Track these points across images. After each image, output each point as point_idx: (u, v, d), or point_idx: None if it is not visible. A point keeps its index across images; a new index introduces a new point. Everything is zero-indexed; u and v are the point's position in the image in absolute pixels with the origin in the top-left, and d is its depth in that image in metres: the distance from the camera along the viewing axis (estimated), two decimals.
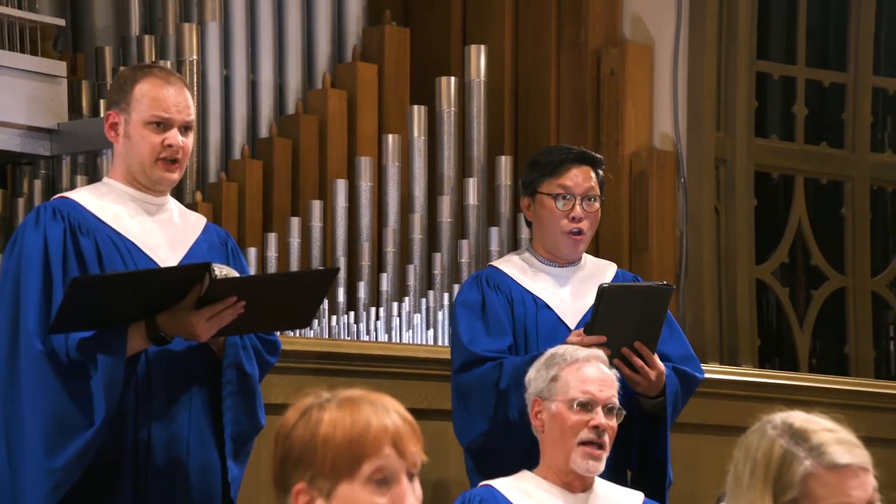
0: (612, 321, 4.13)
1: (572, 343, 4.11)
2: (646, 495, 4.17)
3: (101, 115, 5.95)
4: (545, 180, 4.33)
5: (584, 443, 3.85)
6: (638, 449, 4.28)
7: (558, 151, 4.43)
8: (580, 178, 4.33)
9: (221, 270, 3.67)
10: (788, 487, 2.50)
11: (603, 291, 4.15)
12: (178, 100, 3.80)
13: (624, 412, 3.92)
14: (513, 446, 4.06)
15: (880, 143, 7.37)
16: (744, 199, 6.71)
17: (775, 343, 7.15)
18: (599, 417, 3.85)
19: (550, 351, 3.97)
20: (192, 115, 3.84)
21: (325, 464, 2.18)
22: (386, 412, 2.22)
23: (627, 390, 4.23)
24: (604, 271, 4.45)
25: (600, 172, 4.39)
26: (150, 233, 3.83)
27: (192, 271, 3.65)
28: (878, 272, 7.21)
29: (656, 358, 4.19)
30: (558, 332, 4.26)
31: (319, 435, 2.19)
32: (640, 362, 4.16)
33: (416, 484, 2.23)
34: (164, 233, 3.86)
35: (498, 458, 4.17)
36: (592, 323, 4.15)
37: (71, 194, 3.90)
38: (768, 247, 6.94)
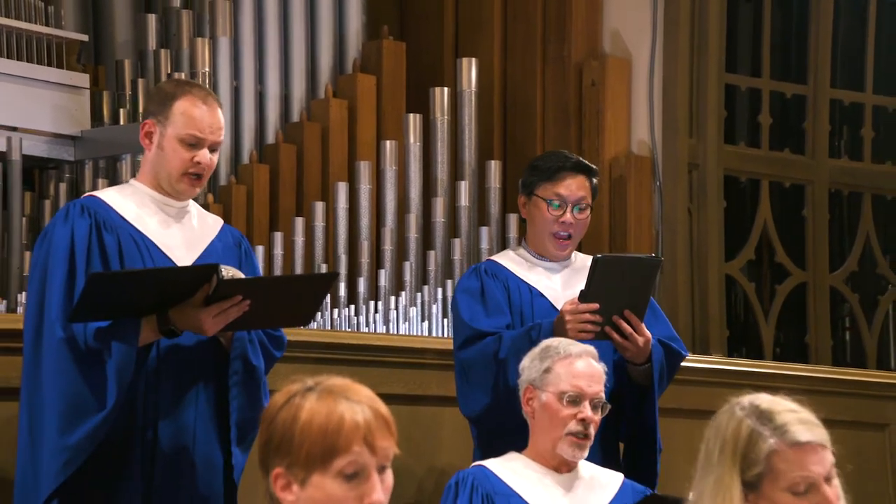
0: (604, 290, 4.06)
1: (567, 311, 4.05)
2: (638, 464, 4.13)
3: (121, 122, 5.95)
4: (542, 184, 4.27)
5: (570, 433, 3.79)
6: (628, 422, 4.22)
7: (557, 158, 4.35)
8: (574, 186, 4.26)
9: (228, 272, 3.63)
10: (754, 463, 2.51)
11: (598, 261, 4.10)
12: (213, 121, 3.75)
13: (609, 406, 3.86)
14: (514, 413, 3.99)
15: (837, 150, 7.39)
16: (714, 201, 6.70)
17: (743, 333, 7.13)
18: (586, 411, 3.81)
19: (545, 342, 3.92)
20: (222, 137, 3.79)
21: (301, 454, 2.14)
22: (360, 407, 2.16)
23: (617, 368, 4.17)
24: (591, 261, 4.40)
25: (594, 181, 4.33)
26: (169, 233, 3.79)
27: (201, 271, 3.60)
28: (836, 268, 7.23)
29: (643, 326, 4.13)
30: (551, 317, 4.19)
31: (297, 426, 2.15)
32: (629, 329, 4.09)
33: (388, 474, 2.18)
34: (182, 233, 3.81)
35: (500, 425, 4.11)
36: (586, 291, 4.09)
37: (99, 193, 3.87)
38: (737, 245, 6.94)
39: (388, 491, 2.18)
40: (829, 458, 2.54)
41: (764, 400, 2.56)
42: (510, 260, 4.35)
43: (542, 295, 4.28)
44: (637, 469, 4.08)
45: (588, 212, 4.29)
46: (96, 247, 3.69)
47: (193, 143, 3.72)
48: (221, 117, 3.78)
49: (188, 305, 3.58)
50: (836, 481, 2.56)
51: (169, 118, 3.73)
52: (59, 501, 3.60)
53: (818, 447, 2.53)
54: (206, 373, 3.73)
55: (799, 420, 2.54)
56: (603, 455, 4.04)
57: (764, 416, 2.53)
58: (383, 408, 2.19)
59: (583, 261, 4.37)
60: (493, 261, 4.39)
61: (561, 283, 4.31)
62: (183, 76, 5.87)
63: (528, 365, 3.87)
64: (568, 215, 4.25)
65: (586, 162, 4.36)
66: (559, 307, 4.21)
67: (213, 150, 3.76)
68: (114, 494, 3.62)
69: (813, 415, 2.57)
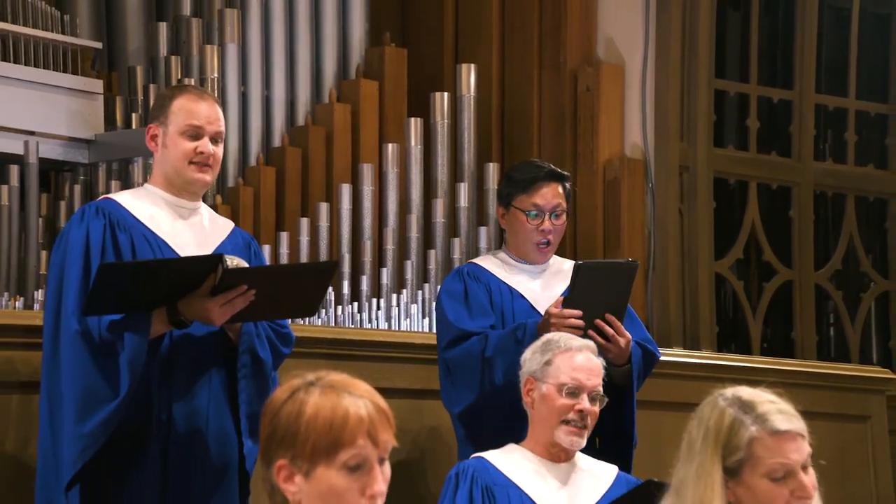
0: (586, 295, 4.06)
1: (552, 314, 4.05)
2: (613, 457, 4.12)
3: (134, 126, 5.95)
4: (518, 196, 4.26)
5: (567, 422, 3.79)
6: (607, 418, 4.21)
7: (531, 169, 4.34)
8: (550, 195, 4.26)
9: (233, 261, 3.62)
10: (736, 450, 2.54)
11: (579, 268, 4.10)
12: (210, 113, 3.75)
13: (606, 399, 3.85)
14: (499, 410, 3.98)
15: (822, 153, 7.40)
16: (704, 202, 6.70)
17: (731, 329, 7.13)
18: (584, 403, 3.79)
19: (547, 336, 3.90)
20: (222, 128, 3.79)
21: (306, 447, 2.14)
22: (363, 402, 2.16)
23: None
24: (568, 265, 4.40)
25: (567, 186, 4.33)
26: (181, 233, 3.78)
27: (205, 261, 3.60)
28: (821, 267, 7.24)
29: (623, 328, 4.13)
30: (531, 317, 4.18)
31: (302, 420, 2.14)
32: (610, 331, 4.09)
33: (386, 466, 2.18)
34: (194, 233, 3.81)
35: (486, 422, 4.10)
36: (570, 297, 4.08)
37: (114, 195, 3.86)
38: (726, 244, 6.94)
39: (387, 481, 2.18)
40: (806, 447, 2.57)
41: (745, 391, 2.59)
42: (491, 263, 4.35)
43: (522, 296, 4.27)
44: (613, 462, 4.07)
45: (564, 217, 4.29)
46: (110, 245, 3.69)
47: (194, 134, 3.73)
48: (219, 110, 3.79)
49: (195, 296, 3.57)
50: (812, 471, 2.58)
51: (168, 117, 3.75)
52: (79, 485, 3.60)
53: (797, 436, 2.56)
54: (217, 356, 3.72)
55: (778, 410, 2.56)
56: (585, 450, 4.02)
57: (746, 406, 2.56)
58: (382, 402, 2.20)
59: (559, 263, 4.38)
60: (474, 264, 4.38)
61: (540, 285, 4.30)
62: (192, 82, 5.86)
63: (530, 357, 3.86)
64: (546, 223, 4.24)
65: (559, 170, 4.35)
66: (538, 308, 4.21)
67: (215, 141, 3.76)
68: (131, 475, 3.62)
69: (791, 406, 2.59)
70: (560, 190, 4.28)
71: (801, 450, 2.55)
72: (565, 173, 4.35)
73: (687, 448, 2.58)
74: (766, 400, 2.57)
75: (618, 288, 4.12)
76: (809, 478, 2.55)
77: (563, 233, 4.32)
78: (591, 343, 3.89)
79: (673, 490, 2.58)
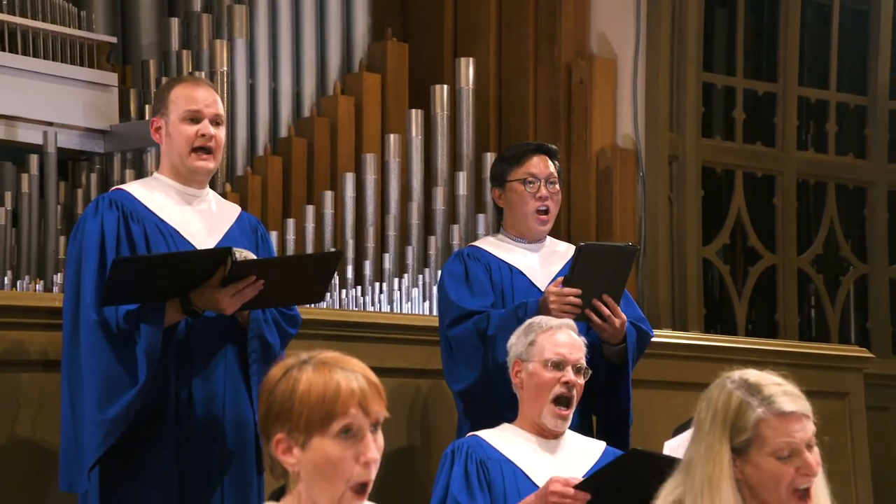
0: (586, 275, 4.06)
1: (552, 292, 4.05)
2: (611, 435, 4.12)
3: (147, 118, 5.93)
4: (512, 170, 4.27)
5: (555, 400, 3.80)
6: (602, 397, 4.22)
7: (519, 146, 4.38)
8: (542, 165, 4.27)
9: (241, 254, 3.62)
10: (743, 431, 2.55)
11: (581, 249, 4.10)
12: (207, 96, 3.76)
13: (590, 371, 3.86)
14: (500, 388, 3.98)
15: (804, 143, 7.40)
16: (692, 190, 6.70)
17: (718, 312, 7.13)
18: (569, 375, 3.81)
19: (528, 321, 3.92)
20: (221, 111, 3.79)
21: (301, 420, 2.17)
22: (354, 376, 2.20)
23: (590, 348, 4.17)
24: (563, 247, 4.42)
25: (556, 162, 4.33)
26: (191, 220, 3.78)
27: (215, 254, 3.60)
28: (803, 252, 7.24)
29: (619, 309, 4.13)
30: (531, 294, 4.20)
31: (296, 395, 2.18)
32: (607, 312, 4.09)
33: (379, 435, 2.22)
34: (203, 220, 3.80)
35: (485, 399, 4.10)
36: (570, 276, 4.08)
37: (125, 186, 3.86)
38: (713, 230, 6.94)
39: (380, 450, 2.21)
40: (810, 427, 2.57)
41: (752, 374, 2.59)
42: (489, 244, 4.35)
43: (521, 273, 4.27)
44: (610, 440, 4.07)
45: (559, 188, 4.29)
46: (124, 236, 3.69)
47: (194, 118, 3.73)
48: (216, 96, 3.79)
49: (207, 287, 3.58)
50: (816, 449, 2.58)
51: (168, 107, 3.75)
52: (99, 466, 3.59)
53: (801, 416, 2.56)
54: (232, 341, 3.72)
55: (784, 392, 2.57)
56: (580, 429, 4.03)
57: (752, 389, 2.56)
58: (374, 376, 2.23)
59: (555, 245, 4.38)
60: (474, 246, 4.39)
61: (538, 261, 4.31)
62: (203, 75, 5.86)
63: (515, 341, 3.88)
64: (543, 190, 4.25)
65: (547, 144, 4.37)
66: (537, 284, 4.21)
67: (215, 124, 3.75)
68: (150, 454, 3.62)
69: (796, 387, 2.60)
70: (550, 162, 4.29)
71: (806, 429, 2.56)
72: (553, 147, 4.37)
73: (696, 429, 2.58)
74: (772, 382, 2.58)
75: (617, 270, 4.12)
76: (814, 456, 2.57)
77: (559, 203, 4.31)
78: (570, 322, 3.91)
79: (682, 469, 2.59)
